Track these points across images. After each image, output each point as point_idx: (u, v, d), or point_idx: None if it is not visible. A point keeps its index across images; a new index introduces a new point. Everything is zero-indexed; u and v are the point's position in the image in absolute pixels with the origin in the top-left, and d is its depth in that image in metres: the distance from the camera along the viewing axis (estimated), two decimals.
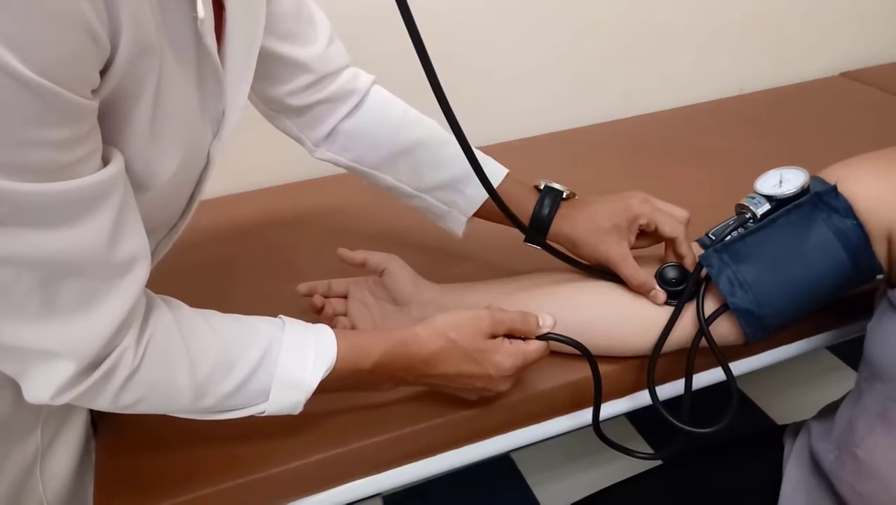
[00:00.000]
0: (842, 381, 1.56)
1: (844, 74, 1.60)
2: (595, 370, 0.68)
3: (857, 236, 0.66)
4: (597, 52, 1.40)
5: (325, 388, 0.60)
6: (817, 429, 0.74)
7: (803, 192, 0.68)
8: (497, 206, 0.69)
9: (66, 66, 0.40)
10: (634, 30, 1.40)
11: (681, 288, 0.72)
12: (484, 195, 0.78)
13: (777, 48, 1.56)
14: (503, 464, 1.43)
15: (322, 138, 0.82)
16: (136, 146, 0.50)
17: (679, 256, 0.74)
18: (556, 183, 0.79)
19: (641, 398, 0.76)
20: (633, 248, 0.75)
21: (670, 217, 0.74)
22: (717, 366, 0.72)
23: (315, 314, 0.79)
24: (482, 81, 1.32)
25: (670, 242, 0.75)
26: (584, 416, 0.74)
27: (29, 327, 0.46)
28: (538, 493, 1.38)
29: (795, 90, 1.54)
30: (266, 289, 0.91)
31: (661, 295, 0.72)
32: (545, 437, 0.76)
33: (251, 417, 0.59)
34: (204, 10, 0.50)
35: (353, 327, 0.78)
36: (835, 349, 1.62)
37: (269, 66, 0.73)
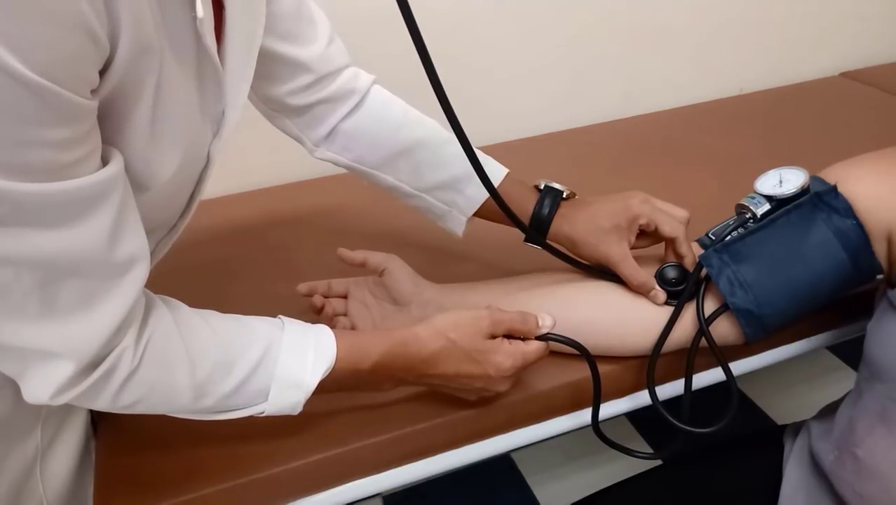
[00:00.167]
0: (842, 381, 1.56)
1: (844, 74, 1.60)
2: (594, 370, 0.68)
3: (857, 236, 0.66)
4: (597, 52, 1.40)
5: (324, 388, 0.60)
6: (817, 429, 0.74)
7: (803, 192, 0.68)
8: (497, 206, 0.69)
9: (65, 66, 0.40)
10: (634, 30, 1.40)
11: (681, 288, 0.72)
12: (484, 195, 0.78)
13: (777, 48, 1.56)
14: (503, 464, 1.43)
15: (322, 138, 0.82)
16: (135, 146, 0.50)
17: (679, 256, 0.74)
18: (556, 183, 0.79)
19: (641, 398, 0.76)
20: (633, 248, 0.75)
21: (670, 217, 0.74)
22: (717, 366, 0.72)
23: (315, 314, 0.79)
24: (482, 81, 1.32)
25: (670, 242, 0.75)
26: (584, 416, 0.74)
27: (28, 327, 0.46)
28: (538, 493, 1.38)
29: (795, 90, 1.54)
30: (266, 289, 0.91)
31: (661, 295, 0.72)
32: (545, 437, 0.76)
33: (251, 417, 0.59)
34: (203, 9, 0.50)
35: (353, 327, 0.78)
36: (835, 349, 1.62)
37: (269, 65, 0.73)
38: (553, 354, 0.69)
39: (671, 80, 1.49)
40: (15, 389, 0.50)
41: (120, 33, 0.43)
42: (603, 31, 1.38)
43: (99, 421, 0.73)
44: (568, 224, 0.76)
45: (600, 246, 0.74)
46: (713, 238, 0.70)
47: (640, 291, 0.73)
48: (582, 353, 0.68)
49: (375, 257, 0.80)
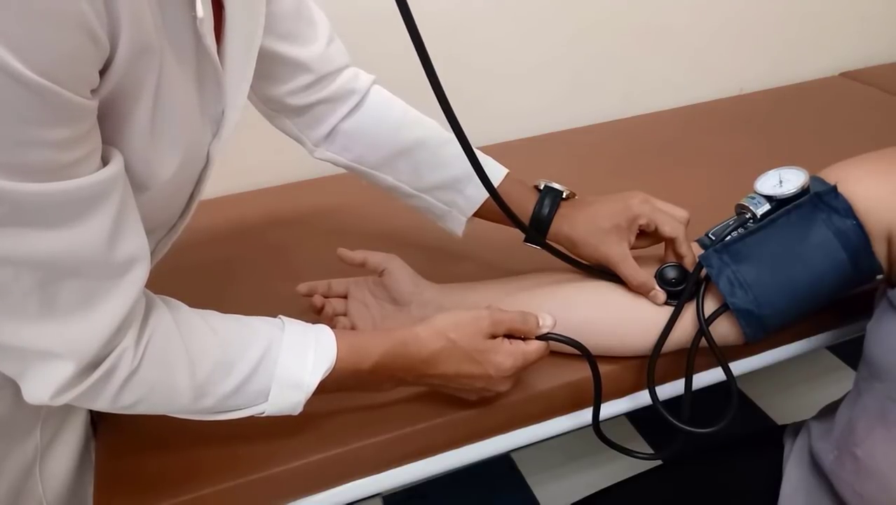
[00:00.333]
0: (842, 381, 1.56)
1: (844, 74, 1.60)
2: (595, 370, 0.68)
3: (856, 237, 0.66)
4: (597, 53, 1.40)
5: (324, 388, 0.60)
6: (817, 429, 0.74)
7: (803, 192, 0.68)
8: (497, 206, 0.69)
9: (65, 66, 0.40)
10: (634, 30, 1.40)
11: (681, 288, 0.72)
12: (484, 195, 0.78)
13: (777, 48, 1.56)
14: (503, 464, 1.43)
15: (322, 138, 0.82)
16: (135, 146, 0.50)
17: (679, 256, 0.74)
18: (556, 183, 0.79)
19: (641, 398, 0.76)
20: (633, 248, 0.75)
21: (670, 217, 0.74)
22: (717, 366, 0.72)
23: (315, 314, 0.79)
24: (482, 81, 1.32)
25: (670, 242, 0.75)
26: (584, 416, 0.74)
27: (28, 327, 0.46)
28: (538, 493, 1.38)
29: (795, 90, 1.54)
30: (266, 289, 0.91)
31: (661, 295, 0.72)
32: (545, 437, 0.76)
33: (251, 418, 0.59)
34: (203, 9, 0.50)
35: (353, 327, 0.78)
36: (835, 349, 1.62)
37: (269, 65, 0.73)
38: (553, 354, 0.69)
39: (671, 81, 1.49)
40: (15, 389, 0.50)
41: (120, 33, 0.43)
42: (603, 31, 1.38)
43: (99, 421, 0.73)
44: (568, 224, 0.76)
45: (600, 246, 0.74)
46: (713, 238, 0.70)
47: (640, 291, 0.73)
48: (582, 352, 0.68)
49: (375, 257, 0.80)
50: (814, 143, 1.26)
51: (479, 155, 0.68)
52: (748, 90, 1.55)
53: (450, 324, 0.64)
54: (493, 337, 0.65)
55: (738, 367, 0.80)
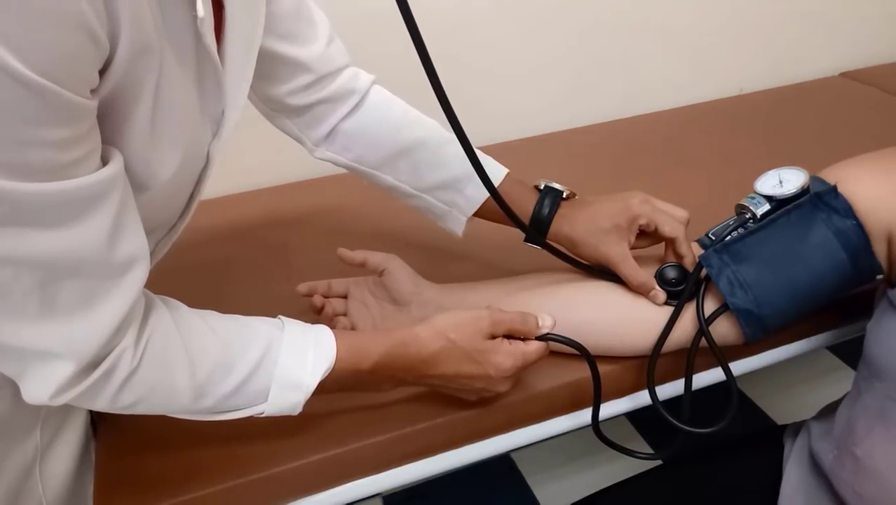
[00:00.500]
0: (842, 381, 1.56)
1: (844, 74, 1.60)
2: (594, 371, 0.68)
3: (857, 237, 0.66)
4: (597, 53, 1.40)
5: (324, 388, 0.59)
6: (817, 429, 0.74)
7: (803, 192, 0.68)
8: (497, 206, 0.69)
9: (65, 65, 0.40)
10: (634, 30, 1.40)
11: (681, 288, 0.72)
12: (484, 195, 0.78)
13: (777, 48, 1.56)
14: (503, 464, 1.43)
15: (322, 138, 0.82)
16: (135, 146, 0.50)
17: (679, 257, 0.74)
18: (556, 183, 0.79)
19: (641, 398, 0.76)
20: (633, 248, 0.75)
21: (670, 217, 0.74)
22: (717, 366, 0.72)
23: (315, 314, 0.79)
24: (482, 81, 1.32)
25: (670, 243, 0.75)
26: (584, 416, 0.74)
27: (28, 327, 0.46)
28: (538, 493, 1.38)
29: (795, 90, 1.54)
30: (266, 289, 0.91)
31: (661, 295, 0.72)
32: (545, 437, 0.76)
33: (251, 418, 0.59)
34: (204, 9, 0.50)
35: (353, 327, 0.78)
36: (835, 349, 1.62)
37: (269, 65, 0.73)
38: (553, 354, 0.69)
39: (671, 81, 1.49)
40: (15, 389, 0.50)
41: (120, 33, 0.43)
42: (603, 31, 1.38)
43: (99, 421, 0.73)
44: (568, 224, 0.76)
45: (600, 246, 0.74)
46: (713, 238, 0.70)
47: (640, 291, 0.73)
48: (582, 353, 0.68)
49: (375, 257, 0.80)
50: (814, 143, 1.26)
51: (480, 155, 0.68)
52: (748, 90, 1.55)
53: (450, 324, 0.64)
54: (493, 337, 0.65)
55: (738, 367, 0.80)
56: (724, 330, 0.71)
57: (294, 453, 0.67)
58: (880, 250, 0.66)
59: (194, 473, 0.65)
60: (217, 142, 0.61)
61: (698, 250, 0.72)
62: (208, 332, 0.56)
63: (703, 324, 0.70)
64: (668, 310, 0.72)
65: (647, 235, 0.75)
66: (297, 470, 0.66)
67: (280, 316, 0.63)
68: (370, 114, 0.81)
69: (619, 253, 0.73)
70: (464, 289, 0.81)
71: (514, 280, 0.82)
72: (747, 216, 0.70)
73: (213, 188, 0.65)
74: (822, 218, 0.67)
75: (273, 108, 0.80)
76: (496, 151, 0.81)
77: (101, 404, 0.52)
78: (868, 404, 0.66)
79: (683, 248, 0.74)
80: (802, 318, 0.72)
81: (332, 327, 0.62)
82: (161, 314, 0.54)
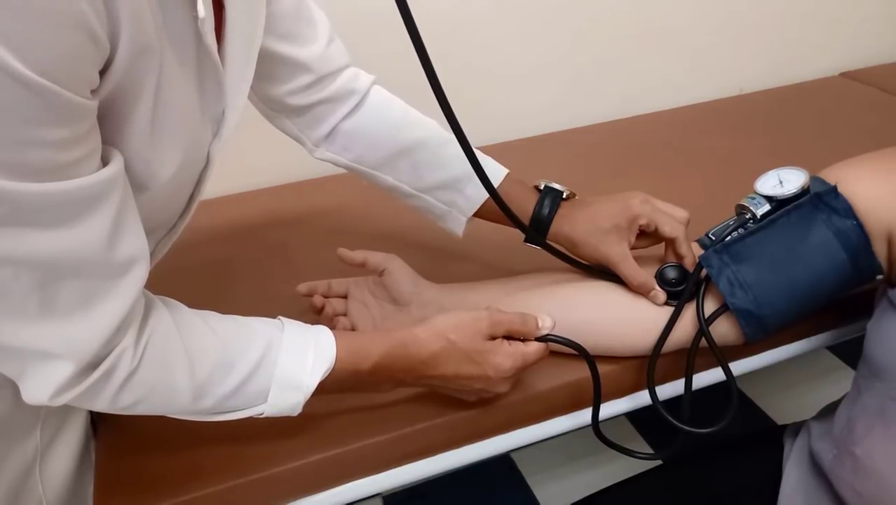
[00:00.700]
0: (842, 381, 1.56)
1: (844, 74, 1.60)
2: (594, 372, 0.68)
3: (857, 237, 0.66)
4: (597, 53, 1.40)
5: (324, 389, 0.59)
6: (817, 429, 0.74)
7: (803, 192, 0.68)
8: (497, 207, 0.69)
9: (65, 65, 0.40)
10: (634, 30, 1.40)
11: (681, 288, 0.72)
12: (484, 195, 0.78)
13: (777, 48, 1.56)
14: (503, 464, 1.43)
15: (322, 138, 0.82)
16: (136, 146, 0.50)
17: (679, 257, 0.74)
18: (556, 183, 0.79)
19: (641, 398, 0.76)
20: (633, 248, 0.75)
21: (670, 217, 0.74)
22: (717, 366, 0.72)
23: (315, 314, 0.79)
24: (482, 81, 1.32)
25: (670, 243, 0.75)
26: (584, 416, 0.74)
27: (28, 328, 0.46)
28: (538, 493, 1.38)
29: (795, 90, 1.54)
30: (266, 289, 0.91)
31: (661, 295, 0.72)
32: (545, 437, 0.76)
33: (251, 418, 0.59)
34: (204, 9, 0.50)
35: (353, 327, 0.79)
36: (835, 349, 1.62)
37: (269, 66, 0.73)
38: (553, 354, 0.69)
39: (671, 81, 1.49)
40: (14, 389, 0.50)
41: (120, 33, 0.43)
42: (603, 31, 1.38)
43: (99, 421, 0.73)
44: (568, 224, 0.76)
45: (600, 246, 0.74)
46: (713, 238, 0.70)
47: (640, 291, 0.73)
48: (581, 354, 0.68)
49: (375, 257, 0.80)
50: (814, 143, 1.26)
51: (479, 155, 0.68)
52: (748, 90, 1.55)
53: (449, 325, 0.64)
54: (493, 338, 0.65)
55: (738, 367, 0.80)
56: (724, 330, 0.71)
57: (294, 453, 0.67)
58: (880, 250, 0.66)
59: (194, 473, 0.65)
60: (217, 142, 0.61)
61: (698, 250, 0.72)
62: (208, 332, 0.56)
63: (703, 324, 0.70)
64: (668, 310, 0.72)
65: (647, 235, 0.75)
66: (297, 470, 0.66)
67: (280, 316, 0.63)
68: (370, 114, 0.81)
69: (619, 253, 0.73)
70: (464, 289, 0.81)
71: (514, 280, 0.82)
72: (747, 216, 0.70)
73: (213, 188, 0.65)
74: (822, 218, 0.67)
75: (273, 108, 0.80)
76: (496, 151, 0.81)
77: (101, 405, 0.52)
78: (868, 404, 0.66)
79: (683, 249, 0.74)
80: (802, 318, 0.72)
81: (332, 327, 0.62)
82: (161, 314, 0.54)
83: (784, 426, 0.84)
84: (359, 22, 1.03)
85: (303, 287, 0.80)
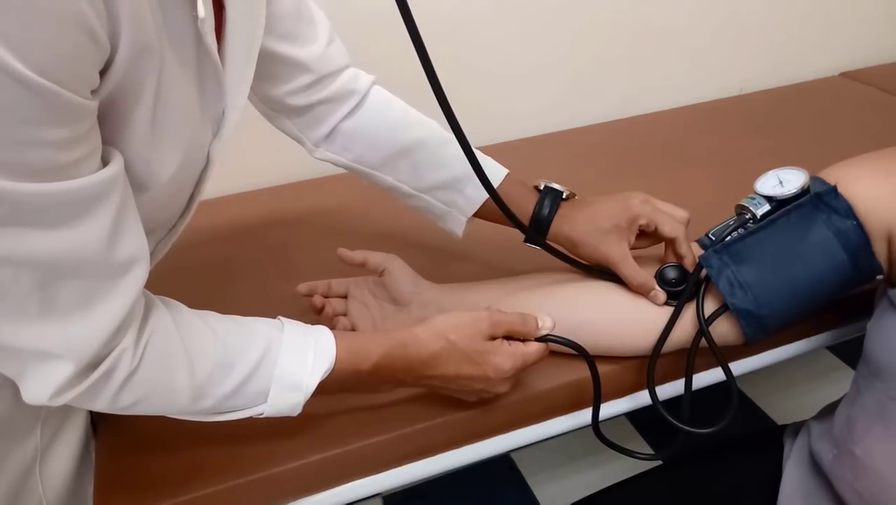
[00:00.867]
0: (842, 381, 1.56)
1: (844, 74, 1.60)
2: (594, 372, 0.68)
3: (857, 237, 0.66)
4: (597, 53, 1.40)
5: (324, 389, 0.59)
6: (817, 429, 0.74)
7: (803, 192, 0.68)
8: (497, 207, 0.69)
9: (65, 65, 0.40)
10: (634, 30, 1.40)
11: (681, 288, 0.72)
12: (484, 195, 0.78)
13: (777, 48, 1.56)
14: (503, 464, 1.43)
15: (322, 138, 0.82)
16: (136, 146, 0.50)
17: (679, 257, 0.74)
18: (556, 183, 0.79)
19: (641, 398, 0.76)
20: (633, 248, 0.75)
21: (670, 217, 0.74)
22: (717, 366, 0.72)
23: (315, 314, 0.79)
24: (482, 81, 1.32)
25: (670, 243, 0.75)
26: (584, 416, 0.74)
27: (28, 328, 0.46)
28: (538, 493, 1.38)
29: (795, 90, 1.54)
30: (266, 289, 0.91)
31: (661, 295, 0.72)
32: (545, 437, 0.76)
33: (251, 418, 0.59)
34: (204, 9, 0.50)
35: (353, 328, 0.79)
36: (835, 349, 1.62)
37: (269, 66, 0.73)
38: (553, 354, 0.69)
39: (671, 81, 1.49)
40: (14, 389, 0.50)
41: (120, 33, 0.43)
42: (603, 31, 1.38)
43: (99, 421, 0.73)
44: (568, 224, 0.76)
45: (600, 246, 0.74)
46: (713, 238, 0.70)
47: (640, 291, 0.73)
48: (581, 354, 0.68)
49: (375, 257, 0.80)
50: (814, 143, 1.26)
51: (479, 155, 0.68)
52: (748, 90, 1.55)
53: (449, 325, 0.64)
54: (493, 338, 0.65)
55: (738, 367, 0.80)
56: (724, 330, 0.71)
57: (294, 453, 0.67)
58: (880, 250, 0.66)
59: (194, 473, 0.65)
60: (217, 142, 0.61)
61: (698, 251, 0.72)
62: (208, 332, 0.56)
63: (703, 324, 0.70)
64: (668, 310, 0.72)
65: (647, 236, 0.75)
66: (297, 470, 0.66)
67: (280, 317, 0.63)
68: (370, 114, 0.81)
69: (618, 253, 0.73)
70: (464, 289, 0.81)
71: (514, 280, 0.82)
72: (747, 216, 0.70)
73: (213, 188, 0.65)
74: (822, 218, 0.67)
75: (273, 108, 0.80)
76: (496, 151, 0.81)
77: (101, 405, 0.52)
78: (867, 403, 0.66)
79: (683, 249, 0.74)
80: (802, 318, 0.72)
81: (332, 327, 0.62)
82: (161, 315, 0.54)
83: (784, 426, 0.84)
84: (359, 22, 1.03)
85: (303, 287, 0.80)
